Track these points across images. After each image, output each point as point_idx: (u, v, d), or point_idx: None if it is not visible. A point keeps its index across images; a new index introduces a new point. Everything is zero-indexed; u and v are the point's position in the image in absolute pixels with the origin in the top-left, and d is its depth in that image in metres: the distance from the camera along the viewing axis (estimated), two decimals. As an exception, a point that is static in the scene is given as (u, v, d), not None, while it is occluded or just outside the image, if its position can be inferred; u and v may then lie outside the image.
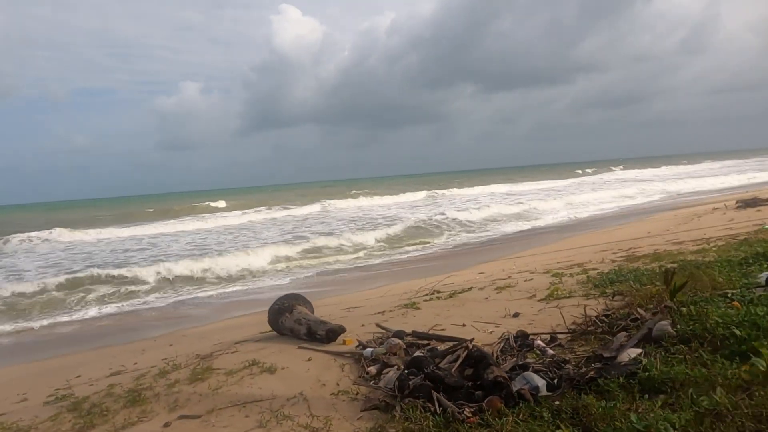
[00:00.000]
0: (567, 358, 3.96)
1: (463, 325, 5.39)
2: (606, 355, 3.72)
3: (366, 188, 62.57)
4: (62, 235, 28.36)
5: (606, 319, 4.70)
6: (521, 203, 33.88)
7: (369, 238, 20.56)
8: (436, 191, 49.18)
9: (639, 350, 3.79)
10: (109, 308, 12.76)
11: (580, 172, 74.90)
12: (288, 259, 17.92)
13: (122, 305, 12.98)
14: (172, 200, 70.48)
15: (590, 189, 42.14)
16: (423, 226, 24.99)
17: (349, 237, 20.53)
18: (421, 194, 46.39)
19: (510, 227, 23.25)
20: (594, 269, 8.51)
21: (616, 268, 7.87)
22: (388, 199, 43.23)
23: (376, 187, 66.07)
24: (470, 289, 7.88)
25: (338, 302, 10.97)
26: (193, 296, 13.76)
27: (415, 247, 19.51)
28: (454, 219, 27.05)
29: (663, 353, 3.64)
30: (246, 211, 41.95)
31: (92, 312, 12.43)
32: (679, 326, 3.90)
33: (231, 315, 11.58)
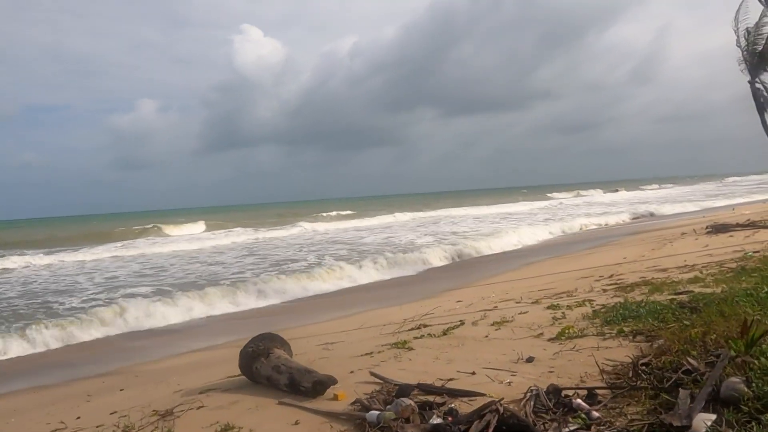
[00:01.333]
0: (621, 425, 3.19)
1: (473, 373, 4.56)
2: (677, 423, 2.96)
3: (335, 209, 61.10)
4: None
5: (647, 369, 3.96)
6: (482, 226, 33.55)
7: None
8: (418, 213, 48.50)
9: (712, 416, 3.05)
10: (50, 337, 11.36)
11: (549, 196, 75.42)
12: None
13: (67, 332, 11.62)
14: (125, 220, 67.18)
15: (551, 213, 42.23)
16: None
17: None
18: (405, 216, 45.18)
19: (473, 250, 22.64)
20: (589, 300, 7.82)
21: (621, 300, 7.20)
22: (370, 221, 41.75)
23: (343, 208, 64.82)
24: (462, 323, 7.05)
25: (309, 334, 9.99)
26: (146, 327, 12.48)
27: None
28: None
29: (746, 421, 2.91)
30: (215, 232, 39.91)
31: (30, 343, 11.03)
32: (756, 384, 3.18)
33: (191, 347, 10.45)
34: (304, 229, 36.94)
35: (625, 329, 5.34)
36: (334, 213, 55.18)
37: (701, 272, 9.20)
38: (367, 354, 5.77)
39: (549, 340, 5.47)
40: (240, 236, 34.07)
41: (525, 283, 13.09)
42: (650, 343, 4.84)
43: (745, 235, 14.34)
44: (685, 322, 5.01)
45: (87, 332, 11.64)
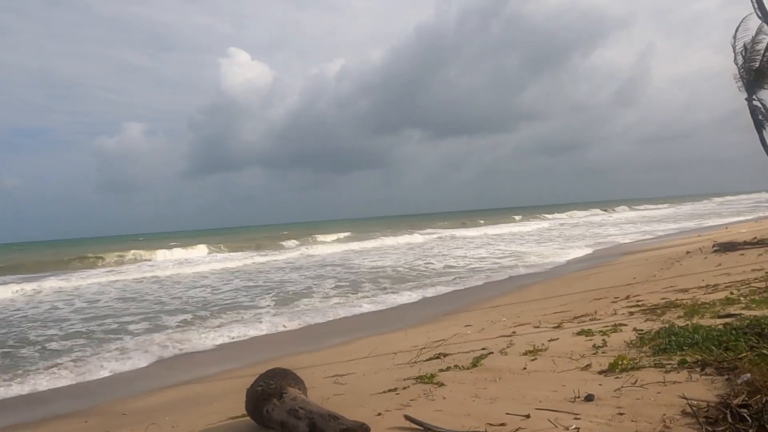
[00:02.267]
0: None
1: (527, 416, 3.82)
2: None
3: (328, 232, 59.76)
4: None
5: (747, 412, 3.28)
6: (477, 247, 32.97)
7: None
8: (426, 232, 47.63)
9: None
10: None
11: (547, 216, 74.36)
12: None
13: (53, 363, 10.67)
14: (114, 243, 65.53)
15: (547, 235, 41.80)
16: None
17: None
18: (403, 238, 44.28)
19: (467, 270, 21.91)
20: (620, 324, 7.13)
21: (657, 324, 6.52)
22: (368, 243, 40.79)
23: (335, 230, 63.71)
24: (489, 352, 6.31)
25: (313, 363, 9.17)
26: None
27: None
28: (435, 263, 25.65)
29: None
30: (215, 255, 38.76)
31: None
32: None
33: (182, 377, 9.57)
34: (301, 253, 35.83)
35: (688, 359, 4.64)
36: (333, 236, 53.77)
37: (732, 293, 8.57)
38: (390, 390, 5.00)
39: (600, 372, 4.75)
40: (242, 260, 32.79)
41: (532, 306, 12.40)
42: (725, 377, 4.15)
43: (758, 254, 13.80)
44: (764, 351, 4.33)
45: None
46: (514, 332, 8.37)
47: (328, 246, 40.81)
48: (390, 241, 41.98)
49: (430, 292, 17.15)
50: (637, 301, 10.03)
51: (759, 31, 18.61)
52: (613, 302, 10.53)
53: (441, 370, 5.56)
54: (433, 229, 56.70)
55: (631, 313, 8.28)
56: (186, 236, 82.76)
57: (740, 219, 38.70)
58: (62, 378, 9.76)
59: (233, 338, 12.30)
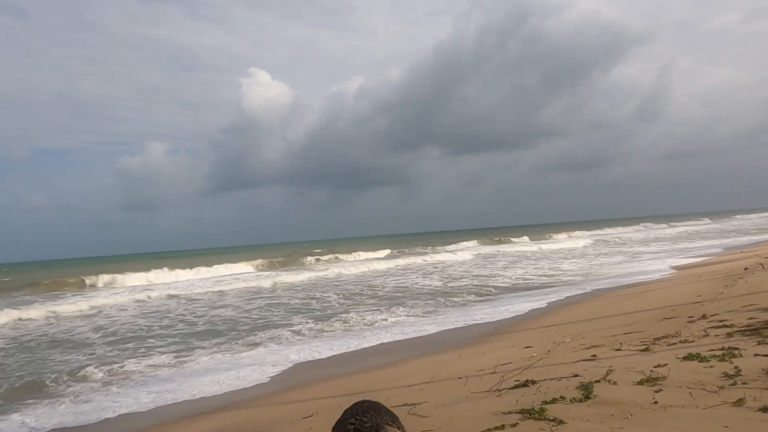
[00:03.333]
0: None
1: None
2: None
3: (348, 249, 58.57)
4: None
5: None
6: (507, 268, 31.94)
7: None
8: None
9: None
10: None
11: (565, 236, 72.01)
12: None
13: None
14: (130, 262, 64.81)
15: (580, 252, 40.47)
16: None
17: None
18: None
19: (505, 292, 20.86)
20: (731, 348, 6.15)
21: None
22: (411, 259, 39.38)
23: (357, 247, 62.67)
24: (592, 382, 5.35)
25: (366, 388, 8.27)
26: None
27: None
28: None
29: None
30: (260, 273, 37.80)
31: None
32: None
33: (215, 404, 8.68)
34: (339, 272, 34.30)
35: None
36: (376, 253, 52.14)
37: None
38: (497, 429, 4.09)
39: (761, 410, 3.81)
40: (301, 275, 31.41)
41: (591, 326, 11.36)
42: None
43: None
44: None
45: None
46: (594, 356, 7.39)
47: (374, 263, 38.80)
48: (432, 258, 40.32)
49: (468, 312, 16.18)
50: (720, 320, 9.01)
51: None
52: (690, 322, 9.52)
53: (546, 403, 4.62)
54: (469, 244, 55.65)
55: (730, 335, 7.27)
56: (210, 253, 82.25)
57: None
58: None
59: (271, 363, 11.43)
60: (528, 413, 4.34)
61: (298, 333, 13.97)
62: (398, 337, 12.85)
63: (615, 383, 5.03)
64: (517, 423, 4.12)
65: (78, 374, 10.87)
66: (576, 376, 5.85)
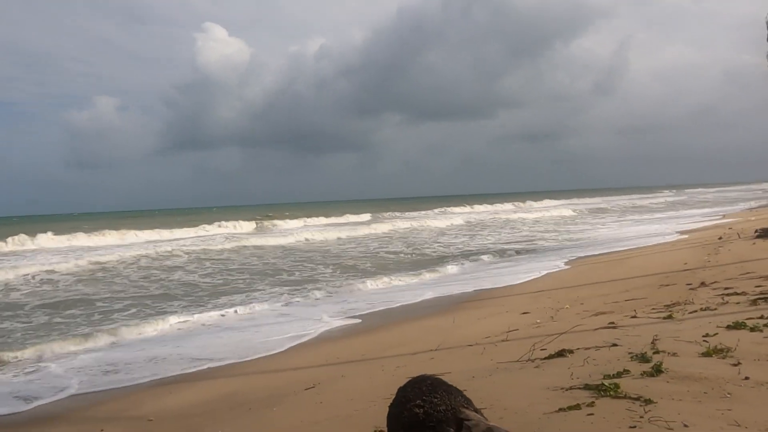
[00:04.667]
0: None
1: None
2: None
3: (316, 213, 56.54)
4: None
5: None
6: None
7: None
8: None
9: None
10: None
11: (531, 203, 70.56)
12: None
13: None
14: (76, 221, 60.16)
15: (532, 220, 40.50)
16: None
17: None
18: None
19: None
20: (761, 317, 5.74)
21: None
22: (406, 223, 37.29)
23: (328, 212, 61.08)
24: (640, 353, 4.80)
25: (363, 355, 7.60)
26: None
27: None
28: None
29: None
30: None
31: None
32: None
33: (211, 366, 7.90)
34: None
35: None
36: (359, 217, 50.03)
37: None
38: (571, 408, 3.49)
39: None
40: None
41: (585, 292, 10.97)
42: None
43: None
44: None
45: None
46: (612, 323, 6.91)
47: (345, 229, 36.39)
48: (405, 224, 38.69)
49: (440, 274, 15.73)
50: (725, 288, 8.69)
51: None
52: (692, 289, 9.19)
53: (609, 377, 4.05)
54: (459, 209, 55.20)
55: (754, 303, 6.89)
56: (172, 214, 79.28)
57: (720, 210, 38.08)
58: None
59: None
60: (598, 390, 3.75)
61: (278, 298, 13.20)
62: (380, 300, 12.25)
63: (675, 354, 4.50)
64: (593, 402, 3.52)
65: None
66: (615, 345, 5.33)
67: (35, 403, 6.75)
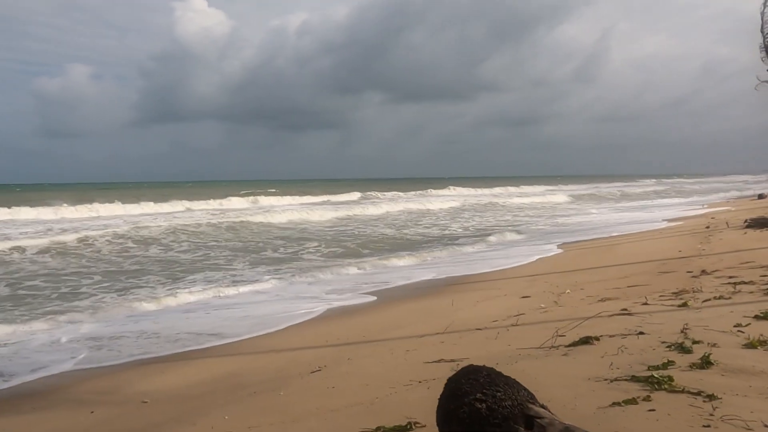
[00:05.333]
0: None
1: None
2: None
3: (296, 191, 55.34)
4: None
5: None
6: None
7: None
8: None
9: None
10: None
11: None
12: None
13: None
14: (47, 191, 58.71)
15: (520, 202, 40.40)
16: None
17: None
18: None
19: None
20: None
21: None
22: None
23: (307, 189, 60.02)
24: (696, 341, 4.50)
25: (363, 337, 7.27)
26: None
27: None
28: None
29: None
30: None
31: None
32: None
33: (204, 343, 7.49)
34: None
35: None
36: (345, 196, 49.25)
37: None
38: (627, 402, 3.20)
39: None
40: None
41: (581, 277, 10.77)
42: None
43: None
44: None
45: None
46: (625, 309, 6.69)
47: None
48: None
49: (430, 257, 15.46)
50: (729, 277, 8.56)
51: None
52: (694, 277, 9.05)
53: (653, 368, 3.78)
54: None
55: (752, 292, 6.74)
56: (148, 188, 77.36)
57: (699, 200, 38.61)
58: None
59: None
60: (649, 382, 3.47)
61: (268, 277, 12.79)
62: (371, 281, 11.92)
63: (716, 345, 4.25)
64: (649, 396, 3.24)
65: None
66: (641, 333, 5.09)
67: (13, 382, 6.29)
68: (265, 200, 41.69)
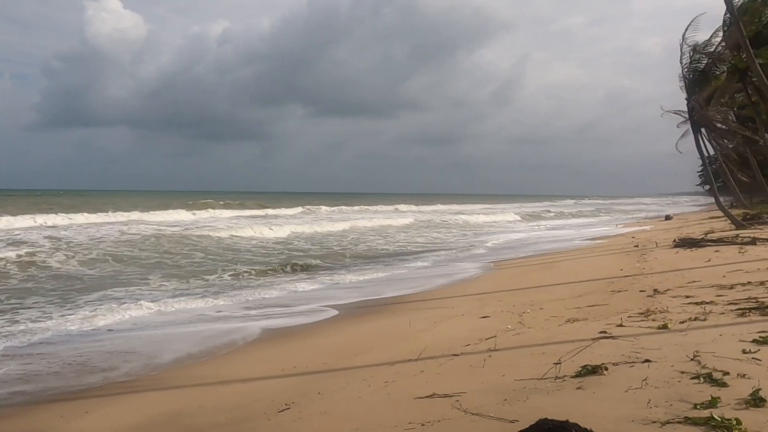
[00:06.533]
0: None
1: None
2: None
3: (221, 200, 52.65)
4: None
5: None
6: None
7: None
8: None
9: None
10: None
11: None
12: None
13: None
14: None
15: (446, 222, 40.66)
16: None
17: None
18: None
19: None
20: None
21: None
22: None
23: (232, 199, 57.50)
24: (703, 374, 4.15)
25: (326, 365, 6.47)
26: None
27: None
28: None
29: None
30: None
31: None
32: None
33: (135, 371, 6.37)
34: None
35: None
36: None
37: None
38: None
39: None
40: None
41: (536, 296, 10.44)
42: None
43: (738, 251, 13.21)
44: None
45: None
46: (604, 332, 6.37)
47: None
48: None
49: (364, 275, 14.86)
50: (686, 296, 8.55)
51: (715, 34, 18.43)
52: (650, 296, 8.99)
53: (700, 406, 3.34)
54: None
55: (743, 313, 6.63)
56: (43, 194, 71.14)
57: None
58: None
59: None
60: (710, 426, 3.00)
61: (194, 295, 11.65)
62: (312, 299, 11.11)
63: (746, 377, 3.89)
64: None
65: None
66: (647, 361, 4.70)
67: None
68: (204, 213, 39.47)
